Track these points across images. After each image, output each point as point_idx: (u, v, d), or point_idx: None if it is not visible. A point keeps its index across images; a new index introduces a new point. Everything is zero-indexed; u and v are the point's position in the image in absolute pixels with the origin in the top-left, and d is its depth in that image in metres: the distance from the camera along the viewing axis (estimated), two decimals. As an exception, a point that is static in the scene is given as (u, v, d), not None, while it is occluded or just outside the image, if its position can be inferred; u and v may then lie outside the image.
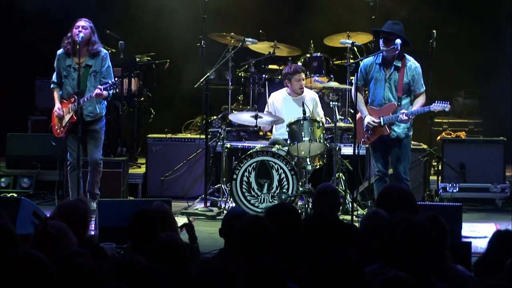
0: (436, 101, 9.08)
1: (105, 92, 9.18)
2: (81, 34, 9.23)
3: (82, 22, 9.37)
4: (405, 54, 9.16)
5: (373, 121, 9.11)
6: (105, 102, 9.58)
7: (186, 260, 4.97)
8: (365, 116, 9.17)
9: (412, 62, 9.13)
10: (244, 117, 10.17)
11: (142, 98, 12.04)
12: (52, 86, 9.59)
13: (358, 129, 9.23)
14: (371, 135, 9.17)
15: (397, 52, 9.01)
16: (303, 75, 10.33)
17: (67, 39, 9.37)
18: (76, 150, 9.35)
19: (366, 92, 9.45)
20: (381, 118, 9.08)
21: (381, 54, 9.09)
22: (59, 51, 9.47)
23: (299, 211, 8.90)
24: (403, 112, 8.99)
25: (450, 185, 10.42)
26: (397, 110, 9.06)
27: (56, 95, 9.53)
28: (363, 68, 9.20)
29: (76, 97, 9.26)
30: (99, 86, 9.20)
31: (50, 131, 9.79)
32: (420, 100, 9.13)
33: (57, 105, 9.46)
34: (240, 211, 6.26)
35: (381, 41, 9.11)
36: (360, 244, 5.36)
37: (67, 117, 9.39)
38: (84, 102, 9.26)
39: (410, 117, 9.03)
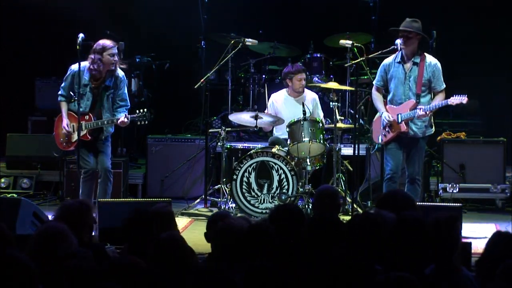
0: (454, 95, 9.04)
1: (127, 121, 9.08)
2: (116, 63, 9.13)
3: (115, 49, 9.11)
4: (425, 52, 9.12)
5: (389, 117, 9.07)
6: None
7: (187, 259, 4.96)
8: (382, 113, 9.15)
9: (432, 59, 9.09)
10: (244, 118, 10.18)
11: (142, 99, 12.03)
12: (59, 98, 9.20)
13: (375, 127, 9.24)
14: (388, 133, 9.11)
15: (397, 52, 9.00)
16: (304, 75, 10.34)
17: (94, 64, 9.04)
18: (90, 157, 9.16)
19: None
20: (399, 115, 9.01)
21: (401, 52, 9.04)
22: (75, 67, 9.04)
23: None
24: (420, 107, 8.93)
25: (450, 185, 10.42)
26: (416, 107, 9.00)
27: (64, 108, 9.19)
28: (384, 68, 9.16)
29: (91, 116, 9.06)
30: (127, 115, 9.06)
31: (53, 141, 9.42)
32: (439, 98, 9.04)
33: (66, 120, 9.14)
34: (223, 214, 6.23)
35: (400, 40, 9.03)
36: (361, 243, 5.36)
37: (78, 133, 9.08)
38: (104, 125, 9.10)
39: (428, 112, 8.93)
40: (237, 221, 5.48)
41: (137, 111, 9.28)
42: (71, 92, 9.14)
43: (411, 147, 9.10)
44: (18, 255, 4.24)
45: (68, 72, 9.20)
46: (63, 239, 4.92)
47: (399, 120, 9.00)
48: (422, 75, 8.99)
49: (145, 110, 9.27)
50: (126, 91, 9.32)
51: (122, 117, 9.07)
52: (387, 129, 9.09)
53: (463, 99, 8.96)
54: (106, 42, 9.14)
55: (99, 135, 9.21)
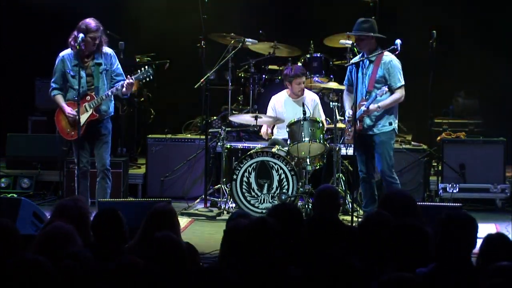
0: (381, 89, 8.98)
1: (132, 82, 9.09)
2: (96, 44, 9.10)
3: (97, 33, 9.06)
4: (384, 50, 9.04)
5: (348, 114, 9.12)
6: (113, 102, 9.40)
7: (183, 258, 4.95)
8: (345, 111, 9.21)
9: (388, 57, 9.00)
10: (244, 118, 10.18)
11: (142, 99, 12.03)
12: (53, 93, 9.18)
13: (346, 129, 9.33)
14: (351, 132, 9.16)
15: (397, 52, 8.98)
16: (303, 78, 10.33)
17: (75, 42, 9.03)
18: (85, 155, 9.15)
19: None
20: (356, 113, 9.09)
21: (362, 52, 9.06)
22: (63, 53, 9.14)
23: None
24: (363, 103, 8.97)
25: (450, 185, 10.42)
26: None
27: (60, 99, 9.16)
28: (349, 69, 9.26)
29: (92, 95, 9.07)
30: (129, 77, 9.10)
31: (58, 136, 9.40)
32: (394, 96, 8.98)
33: (67, 108, 9.10)
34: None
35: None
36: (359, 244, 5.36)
37: (84, 116, 9.07)
38: (107, 97, 9.10)
39: (370, 108, 8.91)
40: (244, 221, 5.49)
41: (138, 70, 9.30)
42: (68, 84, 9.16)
43: (371, 144, 9.08)
44: (39, 258, 4.23)
45: (57, 62, 9.18)
46: (69, 239, 4.93)
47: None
48: (375, 72, 8.97)
49: (146, 67, 9.31)
50: (119, 66, 9.32)
51: (125, 81, 9.07)
52: (350, 129, 9.14)
53: (383, 91, 8.89)
54: (91, 24, 9.10)
55: (98, 127, 9.19)
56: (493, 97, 11.88)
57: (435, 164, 11.10)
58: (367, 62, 9.03)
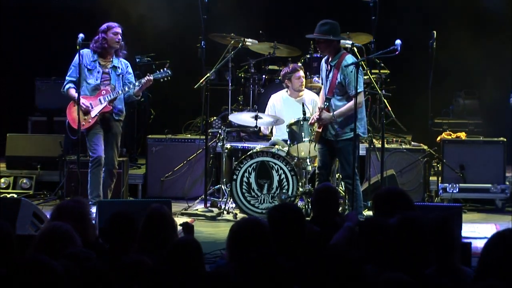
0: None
1: (151, 78, 9.37)
2: (120, 43, 9.30)
3: (119, 29, 9.30)
4: (346, 53, 9.02)
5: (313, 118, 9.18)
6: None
7: (200, 262, 4.94)
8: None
9: (346, 61, 8.81)
10: (244, 118, 10.18)
11: (142, 99, 12.02)
12: (67, 86, 9.30)
13: None
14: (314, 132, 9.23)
15: (397, 52, 8.94)
16: (302, 72, 10.38)
17: (97, 42, 9.22)
18: (99, 144, 9.26)
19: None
20: None
21: (326, 56, 9.05)
22: (83, 50, 9.18)
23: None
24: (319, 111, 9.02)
25: (450, 185, 10.42)
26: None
27: (73, 92, 9.24)
28: (321, 67, 9.23)
29: (108, 90, 9.22)
30: (149, 74, 9.43)
31: (68, 128, 9.37)
32: (349, 103, 8.79)
33: (81, 99, 9.16)
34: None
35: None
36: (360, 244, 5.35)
37: (98, 108, 9.24)
38: (122, 92, 9.28)
39: (322, 117, 8.91)
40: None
41: (157, 70, 9.61)
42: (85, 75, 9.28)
43: (331, 149, 9.05)
44: (47, 260, 4.22)
45: (75, 57, 9.23)
46: (67, 239, 4.92)
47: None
48: (335, 77, 8.86)
49: (165, 68, 9.61)
50: (133, 76, 9.55)
51: (144, 79, 9.32)
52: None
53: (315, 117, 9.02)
54: (111, 23, 9.33)
55: (114, 126, 9.33)
56: (493, 97, 11.88)
57: (435, 164, 11.10)
58: (330, 66, 8.97)
